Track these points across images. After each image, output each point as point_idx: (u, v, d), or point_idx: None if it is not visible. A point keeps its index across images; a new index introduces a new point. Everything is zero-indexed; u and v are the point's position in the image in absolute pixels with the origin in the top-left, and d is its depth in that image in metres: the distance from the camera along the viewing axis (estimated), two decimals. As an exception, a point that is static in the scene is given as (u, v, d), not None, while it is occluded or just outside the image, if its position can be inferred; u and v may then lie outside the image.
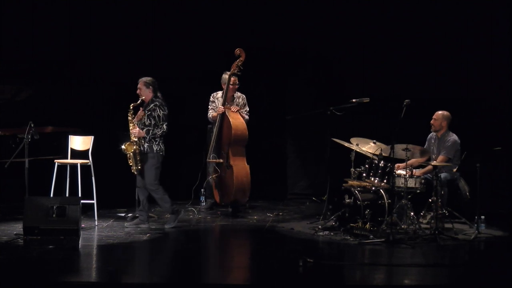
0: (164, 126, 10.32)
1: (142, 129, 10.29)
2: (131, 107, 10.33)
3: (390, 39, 12.35)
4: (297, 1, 12.65)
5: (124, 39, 12.59)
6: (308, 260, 8.43)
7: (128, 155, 10.30)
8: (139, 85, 10.45)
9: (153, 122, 10.30)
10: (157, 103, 10.37)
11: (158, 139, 10.33)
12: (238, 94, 11.65)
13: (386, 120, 11.55)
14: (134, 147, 10.25)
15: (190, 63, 12.70)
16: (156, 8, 12.75)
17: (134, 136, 10.29)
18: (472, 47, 12.13)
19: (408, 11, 12.26)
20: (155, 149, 10.31)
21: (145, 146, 10.28)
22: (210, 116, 11.64)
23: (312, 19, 12.61)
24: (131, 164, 10.31)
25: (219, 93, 11.65)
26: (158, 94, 10.50)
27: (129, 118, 10.35)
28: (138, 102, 10.36)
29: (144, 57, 12.67)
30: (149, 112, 10.34)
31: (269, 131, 12.92)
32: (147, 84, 10.42)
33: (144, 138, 10.28)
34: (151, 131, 10.27)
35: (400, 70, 12.33)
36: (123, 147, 10.30)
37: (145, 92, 10.40)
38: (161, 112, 10.34)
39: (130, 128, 10.32)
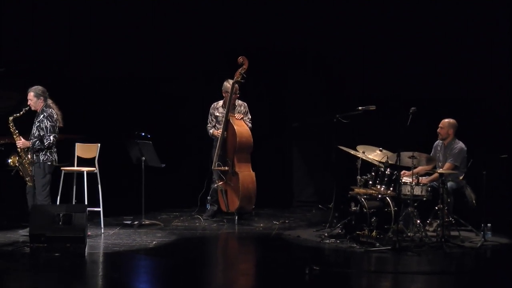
0: (51, 138, 10.07)
1: (33, 141, 10.10)
2: (11, 120, 10.06)
3: (390, 39, 12.34)
4: (298, 1, 12.61)
5: (124, 39, 12.57)
6: (315, 267, 8.44)
7: (17, 168, 10.07)
8: (29, 96, 10.14)
9: (41, 133, 10.09)
10: (45, 114, 10.13)
11: (45, 149, 10.12)
12: (239, 102, 11.63)
13: (386, 119, 11.60)
14: (24, 159, 10.05)
15: (190, 63, 12.67)
16: (156, 8, 12.71)
17: (19, 148, 10.09)
18: (472, 47, 12.12)
19: (408, 11, 12.23)
20: (41, 159, 10.08)
21: (34, 156, 10.08)
22: (211, 132, 11.63)
23: (312, 19, 12.60)
24: (22, 175, 10.10)
25: (220, 103, 11.63)
26: (49, 103, 10.25)
27: (11, 130, 10.10)
28: (21, 113, 10.10)
29: (144, 57, 12.66)
30: (38, 124, 10.11)
31: (274, 138, 12.92)
32: (37, 95, 10.15)
33: (31, 148, 10.06)
34: (37, 142, 10.06)
35: (400, 70, 12.32)
36: (9, 160, 10.11)
37: (36, 103, 10.14)
38: (49, 123, 10.08)
39: (15, 138, 10.10)
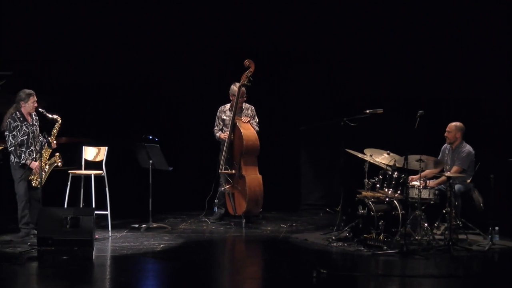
0: None
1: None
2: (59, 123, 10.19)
3: (393, 40, 12.34)
4: (300, 2, 12.62)
5: (127, 41, 12.62)
6: (322, 271, 8.44)
7: (51, 167, 10.14)
8: (35, 99, 10.16)
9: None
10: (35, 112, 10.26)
11: None
12: (246, 105, 11.63)
13: (394, 123, 11.58)
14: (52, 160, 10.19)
15: (191, 64, 12.72)
16: (157, 8, 12.73)
17: (51, 149, 10.18)
18: (473, 47, 12.13)
19: (409, 12, 12.24)
20: None
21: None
22: (218, 135, 11.63)
23: (316, 20, 12.60)
24: (39, 179, 10.06)
25: (227, 106, 11.63)
26: None
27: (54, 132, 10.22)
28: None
29: (145, 58, 12.65)
30: (37, 123, 10.20)
31: (281, 141, 12.90)
32: None
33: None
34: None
35: (405, 72, 12.33)
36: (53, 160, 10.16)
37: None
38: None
39: (52, 140, 10.16)
